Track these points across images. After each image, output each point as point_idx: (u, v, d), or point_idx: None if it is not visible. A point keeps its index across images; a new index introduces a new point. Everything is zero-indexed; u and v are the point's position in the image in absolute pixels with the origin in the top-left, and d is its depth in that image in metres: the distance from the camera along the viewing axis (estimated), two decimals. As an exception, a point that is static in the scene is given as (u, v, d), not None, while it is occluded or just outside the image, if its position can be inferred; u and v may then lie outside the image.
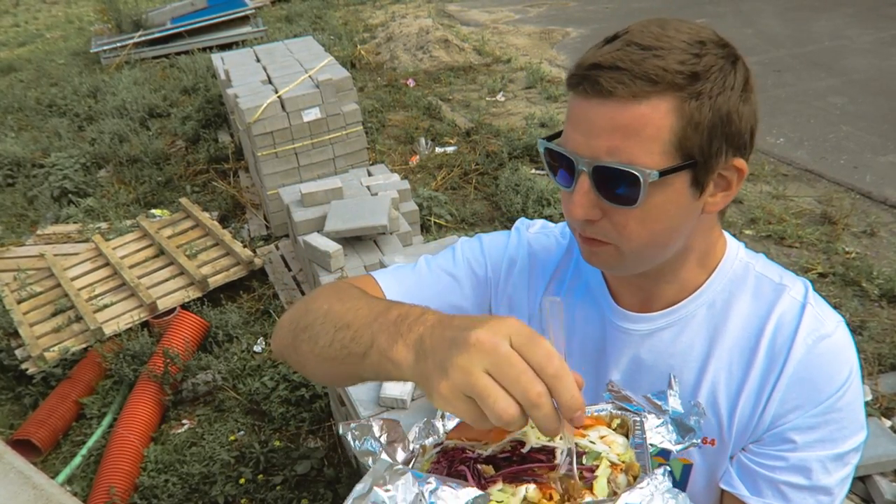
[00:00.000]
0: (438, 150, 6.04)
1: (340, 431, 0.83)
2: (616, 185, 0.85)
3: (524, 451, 0.74)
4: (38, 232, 5.42)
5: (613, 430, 0.81)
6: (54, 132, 7.40)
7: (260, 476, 3.15)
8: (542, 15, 10.69)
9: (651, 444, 0.79)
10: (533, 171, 5.47)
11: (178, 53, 9.72)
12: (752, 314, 1.00)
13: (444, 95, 7.37)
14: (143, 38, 9.98)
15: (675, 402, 0.84)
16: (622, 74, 0.81)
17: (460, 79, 7.88)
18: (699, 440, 0.83)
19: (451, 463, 0.77)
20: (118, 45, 9.93)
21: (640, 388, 0.89)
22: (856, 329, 3.56)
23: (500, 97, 7.25)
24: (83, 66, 10.20)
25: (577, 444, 0.74)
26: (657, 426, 0.82)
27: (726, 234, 1.06)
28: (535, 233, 1.19)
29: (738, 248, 1.06)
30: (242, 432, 3.44)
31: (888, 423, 3.04)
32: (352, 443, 0.83)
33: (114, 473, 3.16)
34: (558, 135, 0.94)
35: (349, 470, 3.08)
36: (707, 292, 1.02)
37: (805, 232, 4.44)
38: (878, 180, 5.00)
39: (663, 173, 0.84)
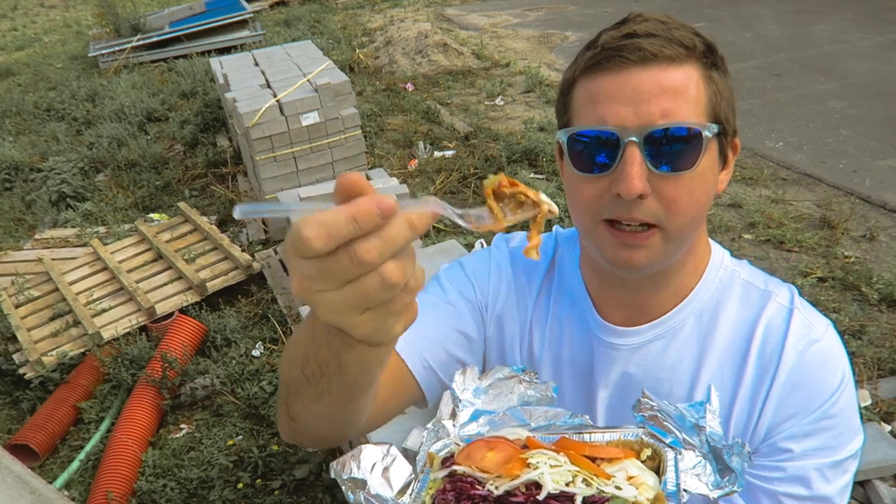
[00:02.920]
0: (437, 154, 6.04)
1: (332, 474, 0.76)
2: (672, 149, 0.84)
3: (540, 497, 0.68)
4: (36, 236, 5.41)
5: (643, 461, 0.75)
6: (52, 136, 7.40)
7: (258, 480, 3.14)
8: (540, 19, 10.71)
9: (685, 491, 0.71)
10: (532, 175, 5.46)
11: (177, 57, 9.73)
12: (741, 322, 0.99)
13: (443, 99, 7.37)
14: (141, 42, 9.99)
15: (713, 421, 0.77)
16: (660, 39, 0.84)
17: (459, 83, 7.89)
18: (740, 488, 0.72)
19: (459, 497, 0.72)
20: (116, 49, 9.93)
21: (630, 406, 0.84)
22: (855, 333, 3.55)
23: (498, 101, 7.25)
24: (81, 70, 10.20)
25: (601, 491, 0.68)
26: (693, 466, 0.74)
27: (712, 242, 1.06)
28: (516, 247, 1.17)
29: (724, 255, 1.05)
30: (241, 437, 3.42)
31: (888, 427, 3.03)
32: (343, 488, 0.77)
33: (112, 478, 3.14)
34: (565, 126, 0.95)
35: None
36: (694, 301, 1.01)
37: (804, 236, 4.44)
38: (878, 184, 5.00)
39: (717, 127, 0.87)
